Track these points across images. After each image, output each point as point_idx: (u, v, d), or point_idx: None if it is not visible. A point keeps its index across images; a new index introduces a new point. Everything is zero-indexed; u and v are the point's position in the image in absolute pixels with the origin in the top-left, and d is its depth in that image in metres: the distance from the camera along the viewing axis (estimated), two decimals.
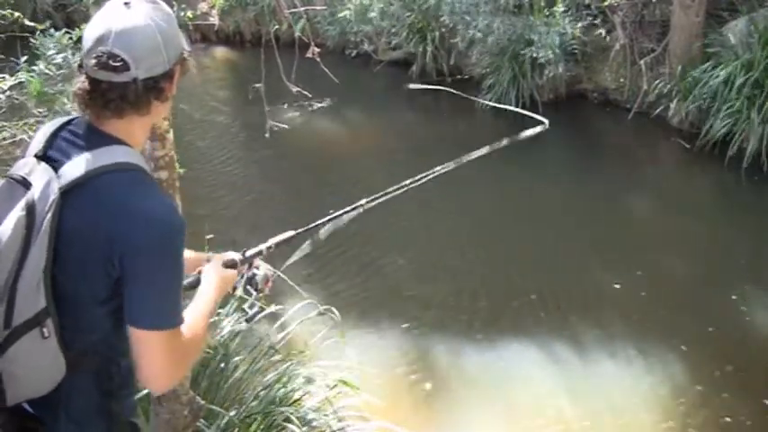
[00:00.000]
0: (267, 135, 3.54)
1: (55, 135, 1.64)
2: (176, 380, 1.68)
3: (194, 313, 1.74)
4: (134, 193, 1.55)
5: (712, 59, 7.97)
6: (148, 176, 1.63)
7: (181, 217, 1.63)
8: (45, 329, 1.54)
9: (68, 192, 1.53)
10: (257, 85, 3.45)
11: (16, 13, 4.60)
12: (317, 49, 3.42)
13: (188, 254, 2.02)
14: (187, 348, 1.66)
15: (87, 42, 1.57)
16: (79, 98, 1.59)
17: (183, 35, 1.71)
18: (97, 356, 1.63)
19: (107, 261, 1.53)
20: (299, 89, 3.42)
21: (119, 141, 1.60)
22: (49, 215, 1.50)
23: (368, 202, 2.32)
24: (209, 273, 1.90)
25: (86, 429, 1.67)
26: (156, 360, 1.58)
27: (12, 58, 4.52)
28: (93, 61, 1.54)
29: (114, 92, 1.55)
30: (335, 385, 3.48)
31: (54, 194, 1.51)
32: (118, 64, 1.53)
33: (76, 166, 1.55)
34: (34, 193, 1.52)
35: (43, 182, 1.53)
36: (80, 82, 1.58)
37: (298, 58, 3.62)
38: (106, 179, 1.54)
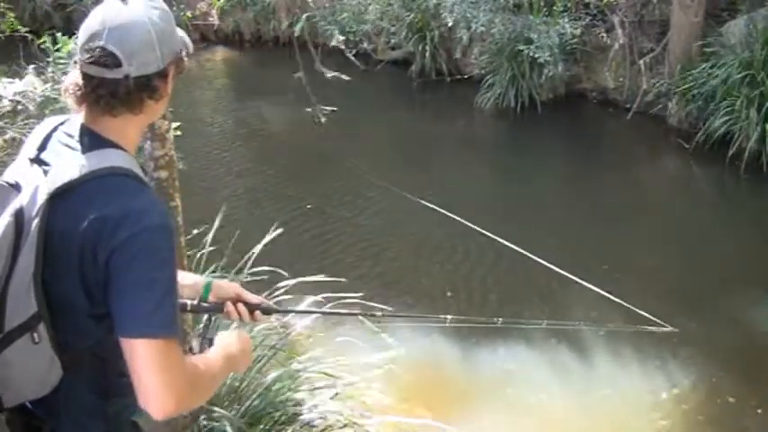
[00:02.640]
0: (323, 120, 3.48)
1: (48, 137, 1.62)
2: (180, 402, 1.50)
3: (213, 353, 1.71)
4: (123, 194, 1.52)
5: (711, 59, 7.97)
6: (141, 181, 1.59)
7: (171, 221, 1.59)
8: (35, 334, 1.51)
9: (58, 196, 1.50)
10: (297, 74, 3.39)
11: (13, 20, 4.60)
12: (341, 38, 3.39)
13: (188, 278, 1.99)
14: (193, 372, 1.56)
15: (82, 37, 1.55)
16: (71, 93, 1.57)
17: (186, 36, 1.69)
18: (94, 359, 1.60)
19: (94, 264, 1.50)
20: (334, 74, 3.38)
21: (111, 144, 1.58)
22: (37, 220, 1.48)
23: (378, 316, 2.27)
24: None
25: (86, 429, 1.65)
26: (149, 375, 1.47)
27: (19, 63, 4.52)
28: (86, 56, 1.52)
29: (105, 88, 1.53)
30: (338, 393, 3.48)
31: (42, 199, 1.49)
32: (109, 60, 1.51)
33: (67, 170, 1.52)
34: (23, 197, 1.51)
35: (32, 186, 1.51)
36: (73, 77, 1.57)
37: (298, 57, 3.62)
38: (96, 183, 1.52)
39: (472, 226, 4.01)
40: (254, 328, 3.43)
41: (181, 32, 1.67)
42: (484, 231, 3.82)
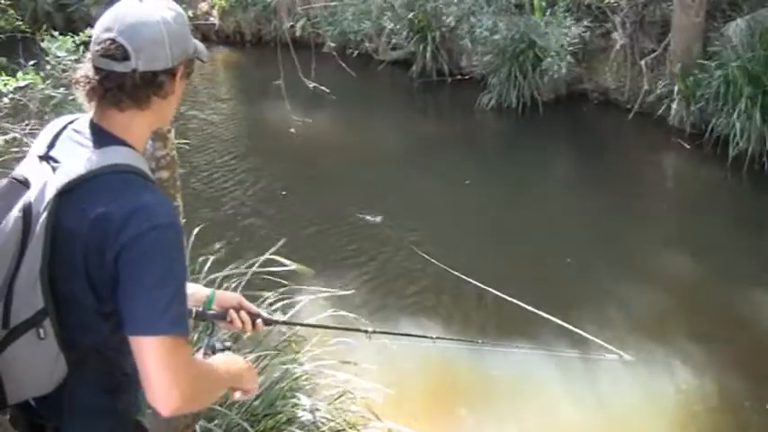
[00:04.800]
0: (292, 130, 3.53)
1: (58, 135, 1.64)
2: (186, 399, 1.51)
3: (218, 358, 1.77)
4: (130, 191, 1.54)
5: (713, 59, 7.96)
6: (148, 179, 1.61)
7: (178, 219, 1.60)
8: (41, 330, 1.52)
9: (65, 192, 1.52)
10: (276, 82, 3.43)
11: (13, 16, 4.61)
12: (332, 44, 3.40)
13: (192, 287, 2.00)
14: (200, 371, 1.61)
15: (96, 31, 1.60)
16: (81, 86, 1.60)
17: (201, 44, 1.71)
18: (100, 356, 1.61)
19: (101, 262, 1.51)
20: (315, 85, 3.41)
21: (119, 141, 1.60)
22: (45, 216, 1.49)
23: (369, 332, 2.40)
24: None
25: (90, 427, 1.66)
26: (157, 372, 1.48)
27: (20, 60, 4.51)
28: (97, 48, 1.57)
29: (112, 81, 1.56)
30: (341, 395, 3.47)
31: (50, 196, 1.51)
32: (118, 52, 1.54)
33: (75, 166, 1.54)
34: (31, 193, 1.52)
35: (41, 183, 1.53)
36: (85, 69, 1.60)
37: (299, 59, 3.62)
38: (103, 180, 1.53)
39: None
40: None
41: (195, 40, 1.70)
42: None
